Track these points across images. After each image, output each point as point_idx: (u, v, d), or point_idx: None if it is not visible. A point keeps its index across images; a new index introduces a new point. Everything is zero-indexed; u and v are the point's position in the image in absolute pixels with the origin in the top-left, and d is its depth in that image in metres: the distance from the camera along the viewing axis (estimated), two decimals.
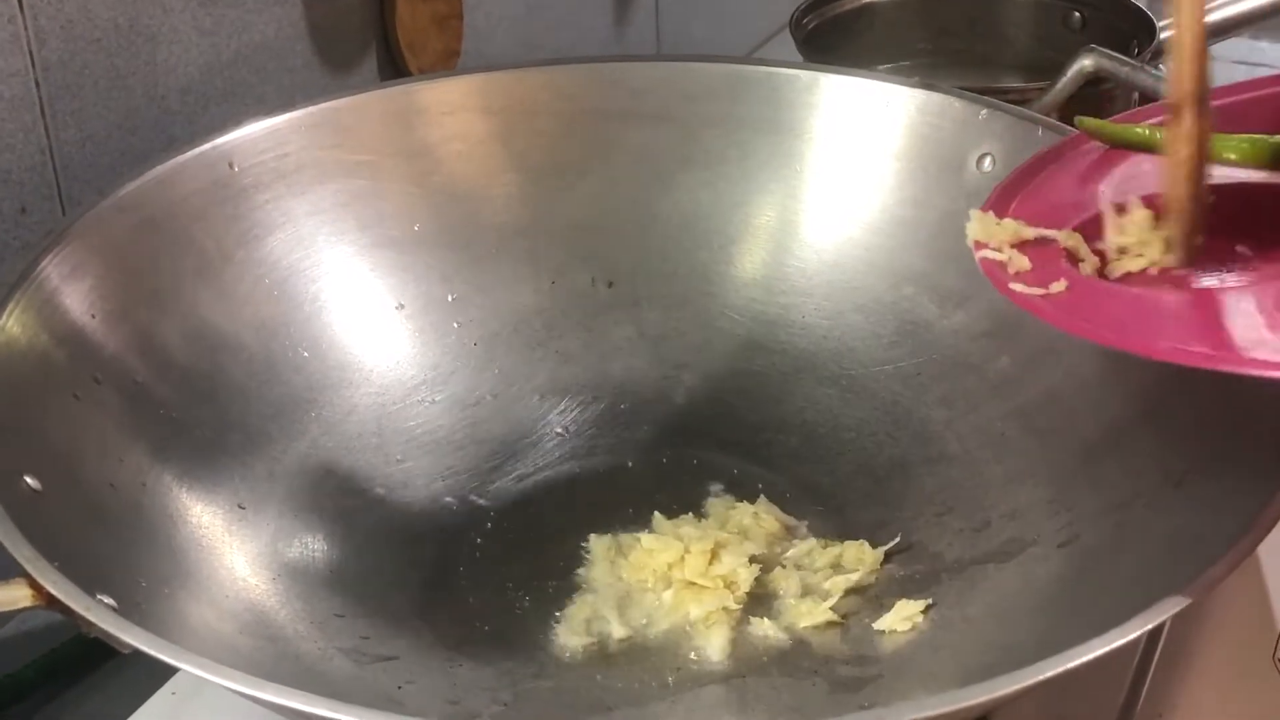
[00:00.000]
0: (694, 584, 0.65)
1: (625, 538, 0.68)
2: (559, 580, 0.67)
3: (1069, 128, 0.73)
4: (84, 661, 0.72)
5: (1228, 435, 0.59)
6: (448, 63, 1.03)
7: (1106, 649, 0.46)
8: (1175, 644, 0.68)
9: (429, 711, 0.58)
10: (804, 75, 0.78)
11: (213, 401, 0.68)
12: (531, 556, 0.68)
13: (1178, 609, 0.48)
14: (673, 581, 0.65)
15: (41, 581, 0.49)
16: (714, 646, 0.63)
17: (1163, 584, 0.50)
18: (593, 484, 0.72)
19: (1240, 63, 1.55)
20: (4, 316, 0.61)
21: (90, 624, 0.48)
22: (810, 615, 0.64)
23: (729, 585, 0.65)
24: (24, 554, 0.50)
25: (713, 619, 0.64)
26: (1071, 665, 0.46)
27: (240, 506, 0.66)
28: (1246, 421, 0.58)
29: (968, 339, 0.74)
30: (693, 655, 0.63)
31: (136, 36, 0.83)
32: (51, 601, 0.49)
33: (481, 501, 0.71)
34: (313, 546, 0.66)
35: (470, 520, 0.70)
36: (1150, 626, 0.47)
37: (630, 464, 0.73)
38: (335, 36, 0.96)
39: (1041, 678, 0.46)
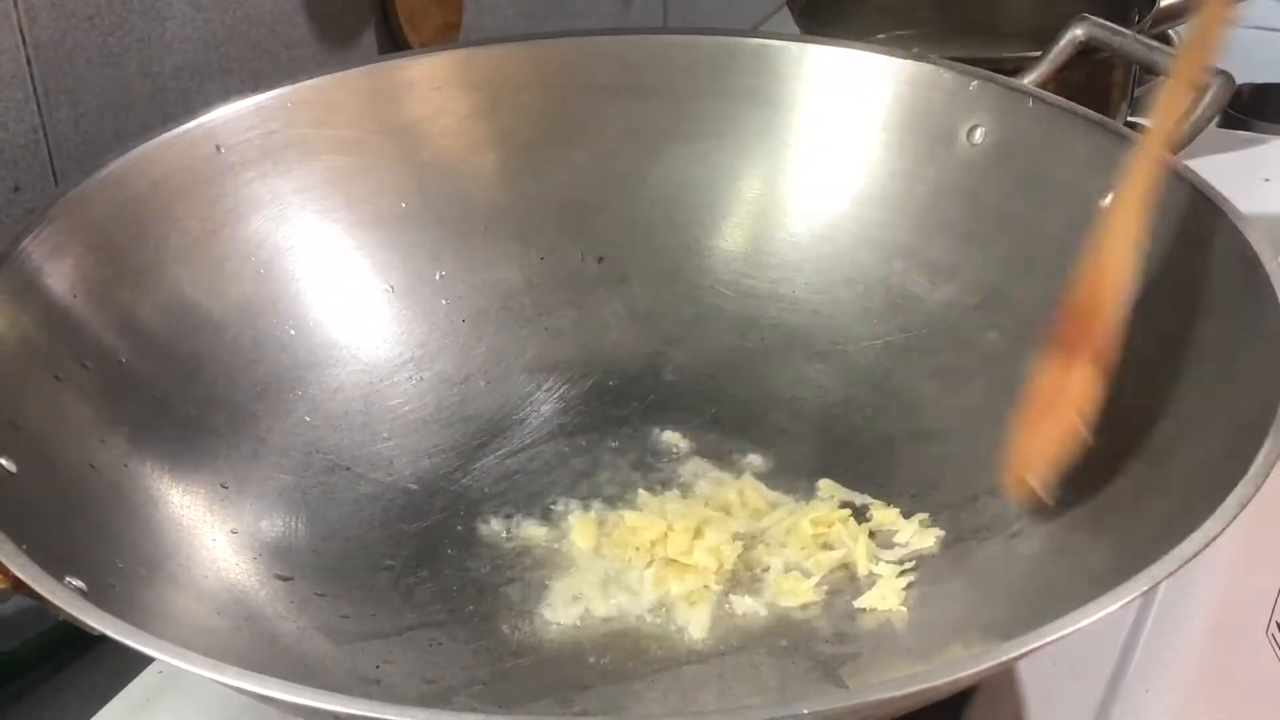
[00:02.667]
0: (676, 562, 0.64)
1: (609, 514, 0.68)
2: (543, 558, 0.66)
3: (1060, 99, 0.73)
4: (82, 639, 0.71)
5: (1208, 412, 0.58)
6: (448, 36, 1.03)
7: (1062, 633, 0.46)
8: (1165, 618, 0.67)
9: (405, 691, 0.58)
10: (794, 47, 0.78)
11: (197, 380, 0.68)
12: (516, 535, 0.68)
13: (1146, 587, 0.47)
14: (655, 559, 0.65)
15: (6, 564, 0.49)
16: (695, 624, 0.62)
17: (1141, 560, 0.49)
18: (579, 461, 0.72)
19: (1259, 27, 1.54)
20: None
21: (56, 608, 0.48)
22: (793, 593, 0.63)
23: (712, 563, 0.64)
24: None
25: (695, 597, 0.63)
26: (1029, 649, 0.45)
27: (223, 486, 0.66)
28: (1228, 399, 0.58)
29: (958, 312, 0.73)
30: (674, 633, 0.62)
31: (129, 13, 0.83)
32: (18, 584, 0.49)
33: (467, 480, 0.71)
34: (295, 525, 0.66)
35: (456, 498, 0.70)
36: (1114, 607, 0.46)
37: (616, 441, 0.73)
38: (333, 10, 0.96)
39: (1005, 659, 0.46)
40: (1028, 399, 0.63)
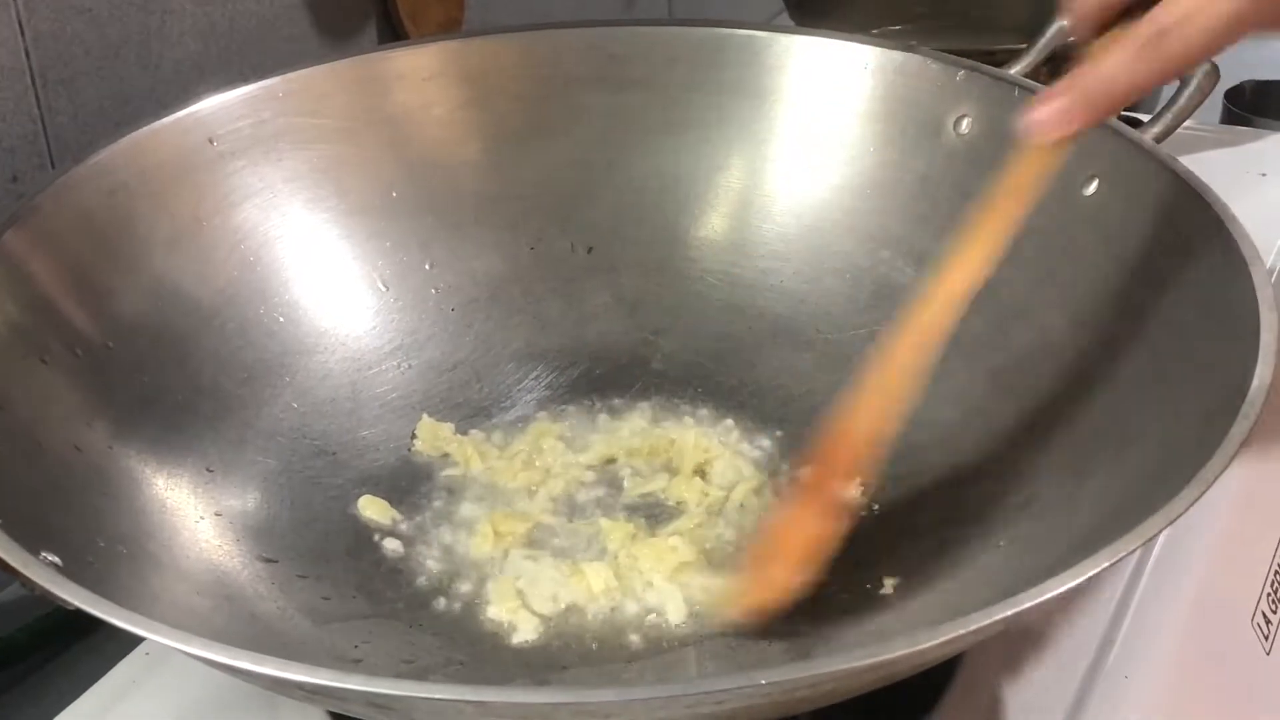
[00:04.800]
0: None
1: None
2: (526, 546, 0.66)
3: (1045, 87, 0.73)
4: (77, 626, 0.72)
5: (1182, 398, 0.58)
6: (449, 32, 1.03)
7: (1020, 608, 0.46)
8: (1148, 605, 0.67)
9: (383, 670, 0.59)
10: (781, 38, 0.78)
11: (184, 366, 0.68)
12: (503, 518, 0.68)
13: (1106, 564, 0.47)
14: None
15: None
16: (672, 609, 0.63)
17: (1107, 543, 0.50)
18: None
19: None
20: None
21: (30, 581, 0.49)
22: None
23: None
24: None
25: (676, 576, 0.64)
26: (988, 621, 0.45)
27: (208, 469, 0.66)
28: (1202, 383, 0.58)
29: None
30: (653, 618, 0.62)
31: (129, 6, 0.83)
32: None
33: (453, 467, 0.71)
34: (279, 509, 0.67)
35: (441, 484, 0.70)
36: (1057, 593, 0.46)
37: (605, 429, 0.73)
38: (333, 5, 0.96)
39: (963, 631, 0.46)
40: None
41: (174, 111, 0.72)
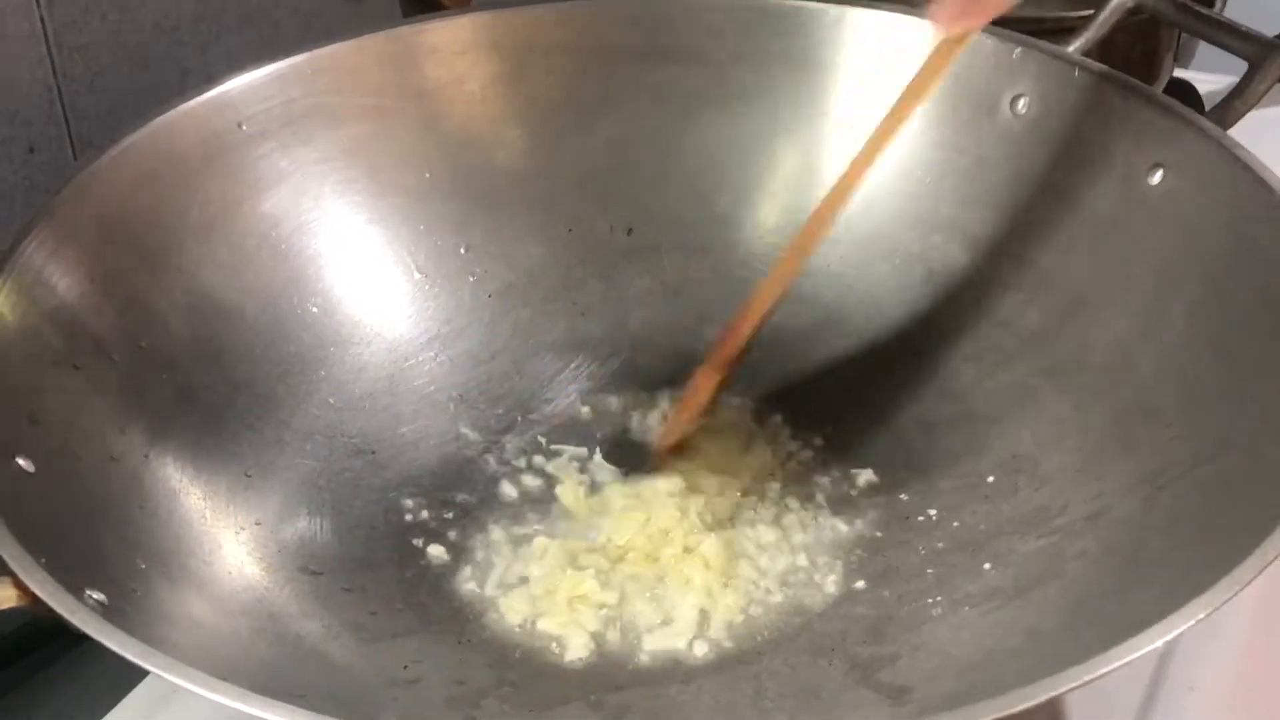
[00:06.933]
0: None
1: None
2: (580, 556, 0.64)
3: (1106, 68, 0.70)
4: None
5: (1263, 410, 0.56)
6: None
7: (1127, 659, 0.44)
8: (1215, 614, 0.66)
9: (434, 694, 0.57)
10: (831, 9, 0.75)
11: (219, 363, 0.66)
12: (549, 525, 0.66)
13: (1201, 615, 0.45)
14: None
15: (25, 580, 0.47)
16: (727, 624, 0.61)
17: (1190, 568, 0.48)
18: (610, 443, 0.70)
19: None
20: None
21: (77, 629, 0.47)
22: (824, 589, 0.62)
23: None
24: (10, 552, 0.48)
25: (731, 593, 0.62)
26: (1106, 670, 0.44)
27: (247, 475, 0.64)
28: None
29: (999, 290, 0.71)
30: (709, 634, 0.61)
31: None
32: (36, 602, 0.48)
33: (495, 465, 0.69)
34: (321, 516, 0.64)
35: (485, 485, 0.68)
36: (1169, 638, 0.45)
37: (648, 421, 0.71)
38: None
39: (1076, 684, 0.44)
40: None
41: (202, 93, 0.69)
